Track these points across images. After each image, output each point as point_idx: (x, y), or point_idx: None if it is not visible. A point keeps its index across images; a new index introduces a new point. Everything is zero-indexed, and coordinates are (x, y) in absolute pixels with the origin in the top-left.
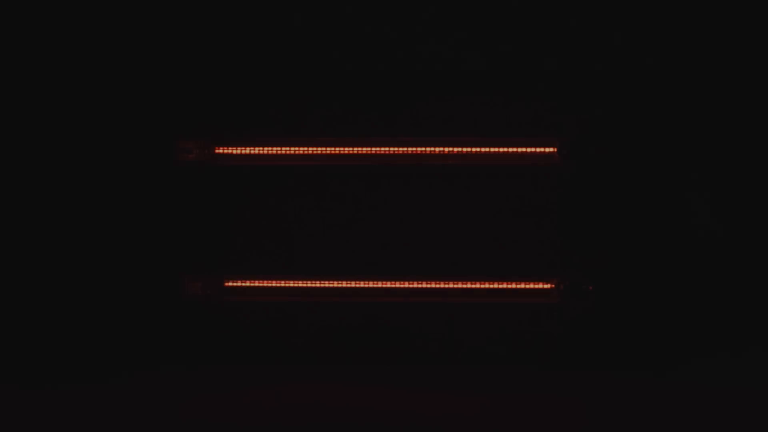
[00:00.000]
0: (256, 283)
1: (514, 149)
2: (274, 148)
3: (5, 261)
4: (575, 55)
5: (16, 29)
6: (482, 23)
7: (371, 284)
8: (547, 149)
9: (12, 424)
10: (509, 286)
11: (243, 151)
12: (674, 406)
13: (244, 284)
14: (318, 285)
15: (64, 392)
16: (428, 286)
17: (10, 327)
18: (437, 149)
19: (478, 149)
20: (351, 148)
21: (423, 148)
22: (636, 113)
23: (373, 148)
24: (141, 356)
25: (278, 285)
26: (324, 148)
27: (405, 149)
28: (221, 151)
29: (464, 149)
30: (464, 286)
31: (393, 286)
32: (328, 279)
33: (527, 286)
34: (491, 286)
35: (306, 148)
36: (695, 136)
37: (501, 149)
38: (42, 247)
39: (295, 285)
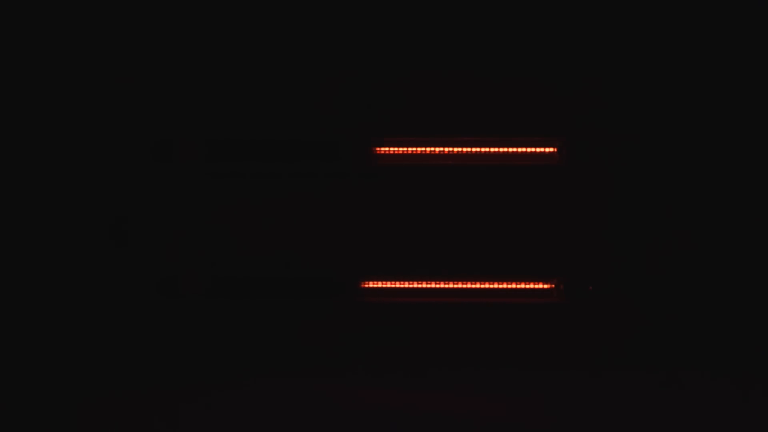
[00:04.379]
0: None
1: (514, 149)
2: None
3: (10, 261)
4: (576, 56)
5: (16, 31)
6: (483, 24)
7: (371, 284)
8: (547, 149)
9: (12, 423)
10: (509, 286)
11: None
12: (674, 406)
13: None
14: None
15: (65, 392)
16: (427, 286)
17: (10, 327)
18: (437, 149)
19: (478, 149)
20: (351, 148)
21: (423, 149)
22: (636, 113)
23: (373, 149)
24: (138, 355)
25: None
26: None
27: (405, 149)
28: (222, 151)
29: (464, 149)
30: (464, 286)
31: (393, 286)
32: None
33: (527, 286)
34: (491, 286)
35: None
36: (695, 136)
37: (501, 149)
38: (42, 248)
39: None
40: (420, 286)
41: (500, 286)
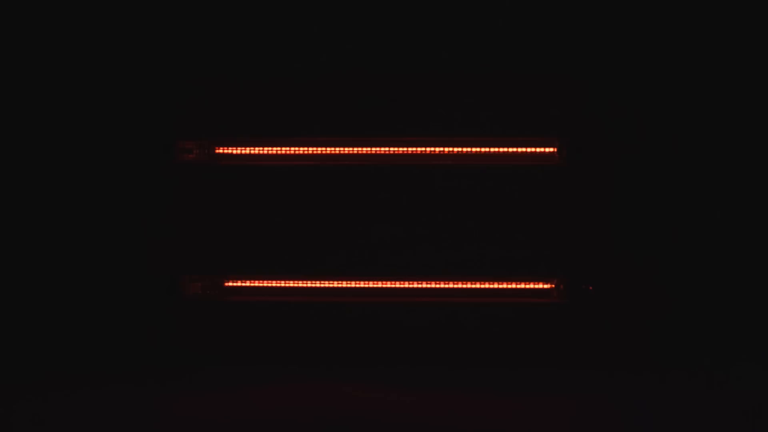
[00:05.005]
0: (256, 284)
1: (514, 149)
2: (275, 148)
3: (6, 259)
4: (575, 55)
5: (18, 31)
6: (482, 23)
7: (371, 284)
8: (547, 149)
9: (13, 421)
10: (509, 286)
11: (243, 151)
12: (674, 405)
13: (244, 284)
14: (318, 285)
15: (64, 391)
16: (428, 286)
17: (11, 326)
18: (437, 149)
19: (478, 149)
20: (351, 148)
21: (423, 148)
22: (636, 113)
23: (373, 148)
24: (141, 356)
25: (278, 285)
26: (324, 148)
27: (405, 149)
28: (221, 151)
29: (464, 149)
30: (464, 286)
31: (393, 286)
32: (328, 279)
33: (527, 286)
34: (491, 286)
35: (306, 148)
36: (695, 136)
37: (501, 149)
38: (41, 247)
39: (296, 285)
40: (411, 285)
41: (500, 286)
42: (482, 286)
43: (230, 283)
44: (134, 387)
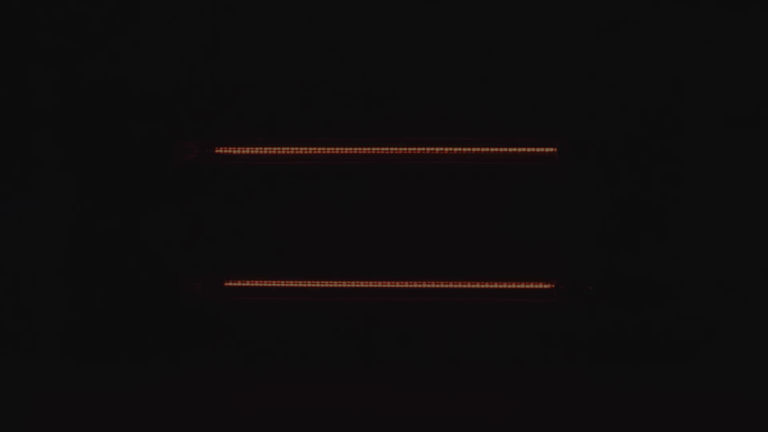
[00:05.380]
0: (256, 283)
1: (514, 149)
2: (275, 148)
3: (5, 259)
4: (575, 55)
5: (17, 30)
6: (481, 23)
7: (371, 284)
8: (547, 149)
9: (11, 420)
10: (509, 286)
11: (243, 151)
12: (673, 405)
13: (244, 284)
14: (318, 285)
15: (63, 390)
16: (428, 286)
17: (11, 325)
18: (437, 149)
19: (478, 149)
20: (351, 148)
21: (423, 148)
22: (636, 114)
23: (373, 148)
24: (140, 355)
25: (278, 285)
26: (324, 148)
27: (405, 149)
28: (221, 151)
29: (464, 149)
30: (464, 286)
31: (393, 286)
32: (328, 279)
33: (527, 286)
34: (491, 286)
35: (306, 148)
36: (696, 136)
37: (501, 149)
38: (40, 247)
39: (296, 285)
40: (411, 285)
41: (500, 286)
42: (482, 286)
43: (230, 283)
44: (134, 386)
